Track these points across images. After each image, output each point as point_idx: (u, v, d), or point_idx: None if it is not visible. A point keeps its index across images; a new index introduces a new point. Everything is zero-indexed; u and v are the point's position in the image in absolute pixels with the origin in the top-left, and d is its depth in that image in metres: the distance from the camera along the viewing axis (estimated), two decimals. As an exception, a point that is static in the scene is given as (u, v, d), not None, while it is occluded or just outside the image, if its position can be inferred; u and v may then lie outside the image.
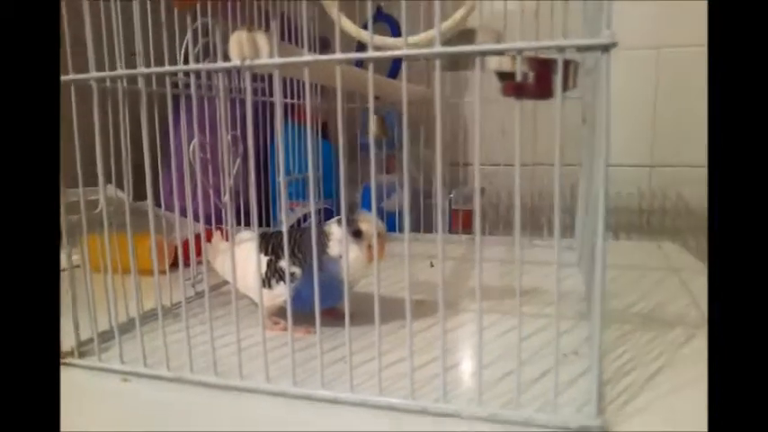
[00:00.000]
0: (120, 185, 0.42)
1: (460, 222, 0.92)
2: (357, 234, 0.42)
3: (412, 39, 0.44)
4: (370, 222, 0.42)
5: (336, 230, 0.42)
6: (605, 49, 0.25)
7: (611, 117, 0.27)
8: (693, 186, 1.04)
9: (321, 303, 0.33)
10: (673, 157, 1.05)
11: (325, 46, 0.92)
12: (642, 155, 1.07)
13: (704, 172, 0.28)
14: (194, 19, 0.41)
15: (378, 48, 0.30)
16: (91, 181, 0.38)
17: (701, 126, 0.27)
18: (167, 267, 0.52)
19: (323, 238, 0.43)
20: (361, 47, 0.70)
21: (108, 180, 0.38)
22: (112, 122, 0.38)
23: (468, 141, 1.09)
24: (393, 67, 0.83)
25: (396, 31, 0.82)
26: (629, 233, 1.09)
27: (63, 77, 0.36)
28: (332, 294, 0.38)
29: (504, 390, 0.33)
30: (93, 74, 0.36)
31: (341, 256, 0.40)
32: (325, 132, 0.97)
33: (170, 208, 0.70)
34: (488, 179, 0.99)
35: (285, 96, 0.73)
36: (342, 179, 0.32)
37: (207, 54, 0.41)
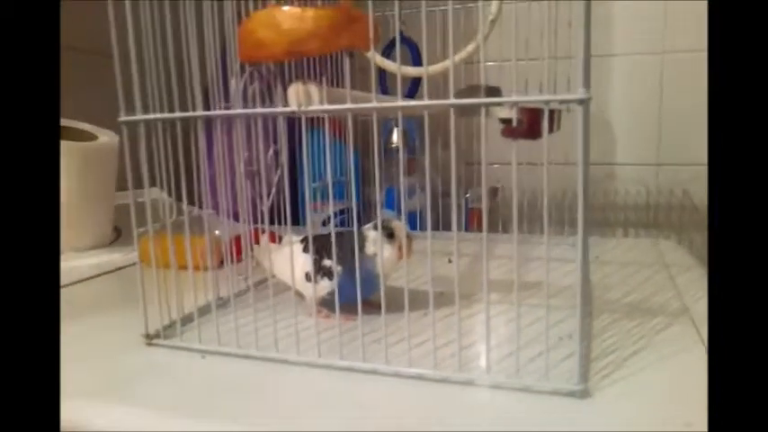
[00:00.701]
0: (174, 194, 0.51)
1: (476, 221, 0.99)
2: (390, 236, 0.50)
3: (431, 68, 0.52)
4: (400, 227, 0.50)
5: (372, 233, 0.51)
6: (581, 102, 0.33)
7: (617, 118, 0.34)
8: (699, 184, 1.08)
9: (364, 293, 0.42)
10: (679, 156, 1.09)
11: (350, 56, 1.00)
12: (649, 153, 1.11)
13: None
14: (258, 70, 0.50)
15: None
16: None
17: (706, 125, 0.32)
18: (227, 263, 0.61)
19: (361, 239, 0.51)
20: (383, 72, 0.78)
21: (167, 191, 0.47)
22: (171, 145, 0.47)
23: (483, 142, 1.16)
24: (411, 89, 0.90)
25: (415, 54, 0.90)
26: (637, 229, 1.14)
27: (135, 117, 0.45)
28: (368, 287, 0.47)
29: (509, 364, 0.41)
30: (165, 115, 0.44)
31: (376, 254, 0.49)
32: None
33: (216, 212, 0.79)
34: (503, 179, 1.05)
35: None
36: (378, 191, 0.40)
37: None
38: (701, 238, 1.09)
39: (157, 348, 0.47)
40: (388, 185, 1.02)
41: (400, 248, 0.50)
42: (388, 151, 0.99)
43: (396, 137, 0.90)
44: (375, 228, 0.51)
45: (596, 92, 0.33)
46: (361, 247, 0.50)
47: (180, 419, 0.37)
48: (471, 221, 0.99)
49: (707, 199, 0.31)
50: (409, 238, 0.51)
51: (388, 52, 0.85)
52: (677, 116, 1.08)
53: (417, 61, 0.87)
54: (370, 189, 0.95)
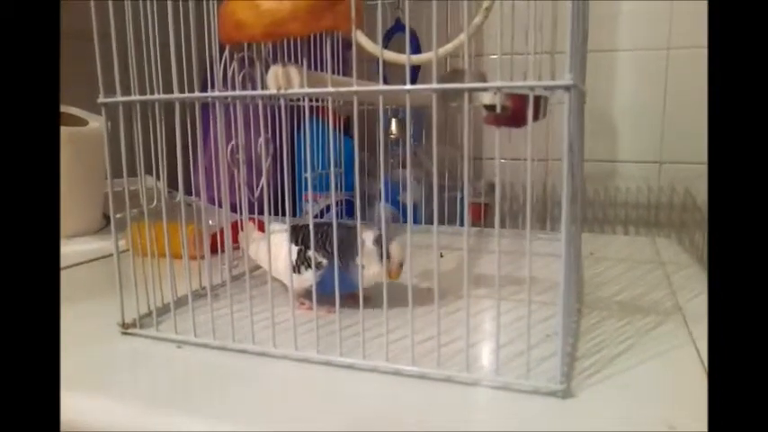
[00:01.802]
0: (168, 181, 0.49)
1: (472, 215, 0.98)
2: (387, 256, 0.48)
3: (417, 58, 0.50)
4: (398, 251, 0.48)
5: (369, 245, 0.48)
6: (567, 89, 0.31)
7: (620, 115, 0.33)
8: (702, 182, 1.07)
9: (340, 289, 0.40)
10: (681, 154, 1.07)
11: (348, 47, 0.98)
12: (651, 151, 1.10)
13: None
14: (238, 50, 0.49)
15: (392, 64, 0.37)
16: (132, 174, 0.45)
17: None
18: (207, 253, 0.60)
19: (355, 243, 0.47)
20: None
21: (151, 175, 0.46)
22: (152, 128, 0.45)
23: (479, 137, 1.14)
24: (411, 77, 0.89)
25: (414, 41, 0.88)
26: (638, 227, 1.13)
27: (113, 99, 0.43)
28: (351, 285, 0.46)
29: (490, 362, 0.40)
30: (144, 97, 0.43)
31: (363, 267, 0.46)
32: (347, 129, 1.04)
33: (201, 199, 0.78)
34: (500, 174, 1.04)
35: (310, 99, 0.80)
36: (383, 215, 0.39)
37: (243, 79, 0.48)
38: (703, 237, 1.08)
39: (133, 338, 0.46)
40: (384, 177, 1.00)
41: (388, 269, 0.48)
42: (385, 143, 0.97)
43: (394, 127, 0.88)
44: (375, 241, 0.48)
45: (600, 88, 0.32)
46: (353, 252, 0.48)
47: (152, 410, 0.36)
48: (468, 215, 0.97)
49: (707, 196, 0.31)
50: (401, 263, 0.49)
51: (389, 36, 0.83)
52: (681, 113, 1.07)
53: (417, 51, 0.85)
54: (366, 181, 0.94)
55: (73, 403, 0.37)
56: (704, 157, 0.31)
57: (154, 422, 0.35)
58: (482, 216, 0.98)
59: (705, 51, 0.32)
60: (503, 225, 0.93)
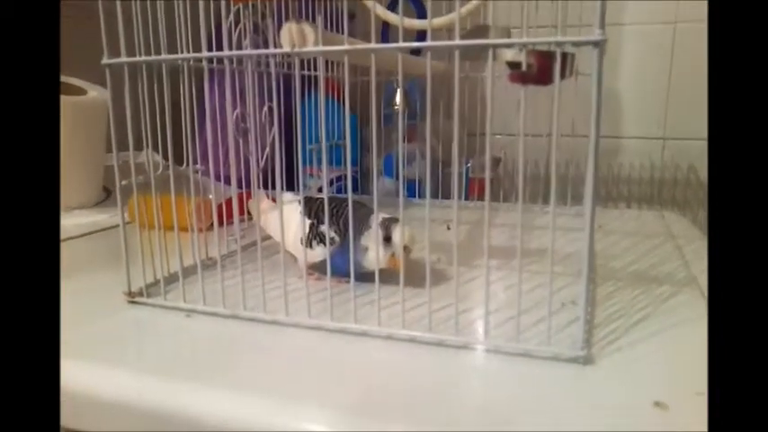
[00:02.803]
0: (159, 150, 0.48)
1: (477, 190, 0.97)
2: (387, 239, 0.46)
3: (436, 21, 0.49)
4: (399, 235, 0.45)
5: (374, 228, 0.45)
6: (596, 45, 0.30)
7: (625, 91, 0.32)
8: (705, 159, 1.07)
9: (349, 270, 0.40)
10: (685, 130, 1.06)
11: (351, 18, 0.96)
12: (655, 127, 1.09)
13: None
14: (246, 11, 0.47)
15: (403, 29, 0.35)
16: (137, 146, 0.44)
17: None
18: (215, 223, 0.59)
19: (362, 225, 0.47)
20: (386, 26, 0.75)
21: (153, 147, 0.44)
22: (157, 93, 0.43)
23: (485, 112, 1.13)
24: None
25: (420, 9, 0.87)
26: (641, 203, 1.12)
27: (118, 60, 0.42)
28: (358, 265, 0.45)
29: (509, 329, 0.39)
30: (150, 57, 0.41)
31: (367, 249, 0.45)
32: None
33: (205, 172, 0.77)
34: (505, 149, 1.03)
35: (314, 69, 0.78)
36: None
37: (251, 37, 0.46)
38: (705, 213, 1.07)
39: (140, 307, 0.45)
40: (388, 152, 0.99)
41: (393, 256, 0.46)
42: (388, 116, 0.96)
43: (398, 98, 0.87)
44: (382, 225, 0.46)
45: (604, 63, 0.31)
46: (360, 232, 0.47)
47: (161, 380, 0.35)
48: (471, 190, 0.96)
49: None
50: (407, 248, 0.46)
51: (392, 7, 0.81)
52: (686, 89, 1.06)
53: (423, 16, 0.83)
54: (369, 155, 0.93)
55: (79, 374, 0.36)
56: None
57: (163, 392, 0.34)
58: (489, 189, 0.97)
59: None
60: (506, 200, 0.93)
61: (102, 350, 0.39)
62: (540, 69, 0.31)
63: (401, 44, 0.34)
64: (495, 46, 0.32)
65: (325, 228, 0.47)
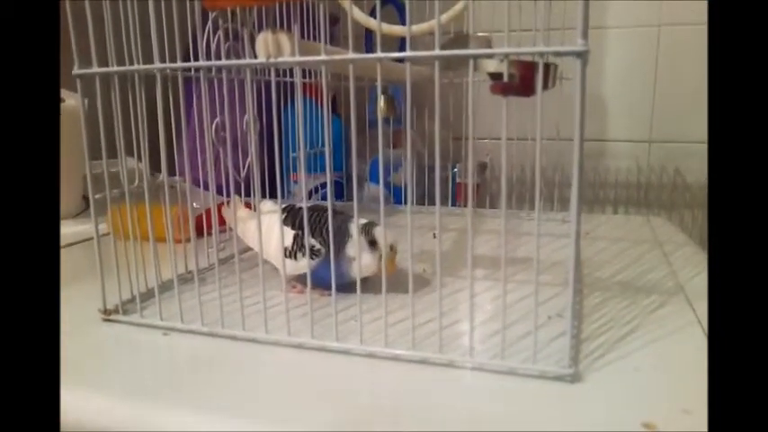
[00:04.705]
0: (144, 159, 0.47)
1: (464, 194, 0.96)
2: (372, 243, 0.45)
3: (416, 28, 0.48)
4: (383, 235, 0.45)
5: (356, 234, 0.44)
6: (579, 55, 0.29)
7: (610, 94, 0.31)
8: (691, 161, 1.06)
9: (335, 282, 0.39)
10: (672, 133, 1.06)
11: (334, 23, 0.95)
12: (641, 130, 1.08)
13: (702, 147, 0.31)
14: (223, 19, 0.46)
15: (384, 35, 0.34)
16: (111, 154, 0.43)
17: (700, 102, 0.30)
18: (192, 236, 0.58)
19: (344, 235, 0.46)
20: (369, 33, 0.74)
21: (130, 154, 0.43)
22: (131, 103, 0.42)
23: (470, 117, 1.12)
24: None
25: (403, 14, 0.86)
26: (627, 207, 1.12)
27: (89, 71, 0.40)
28: (343, 276, 0.44)
29: (494, 345, 0.38)
30: (123, 68, 0.40)
31: (354, 259, 0.44)
32: (335, 106, 1.01)
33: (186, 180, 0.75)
34: (491, 153, 1.02)
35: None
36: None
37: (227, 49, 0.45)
38: (692, 217, 1.07)
39: (115, 325, 0.44)
40: (373, 157, 0.98)
41: (381, 258, 0.45)
42: (374, 121, 0.95)
43: (383, 104, 0.86)
44: (363, 230, 0.46)
45: (589, 66, 0.30)
46: (344, 242, 0.46)
47: (136, 402, 0.33)
48: (458, 195, 0.95)
49: (703, 176, 0.30)
50: (393, 249, 0.46)
51: (374, 13, 0.80)
52: (671, 91, 1.06)
53: (405, 23, 0.82)
54: (354, 161, 0.92)
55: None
56: (694, 136, 0.29)
57: (139, 414, 0.33)
58: (473, 197, 0.97)
59: (697, 28, 0.30)
60: (492, 206, 0.92)
61: (76, 372, 0.37)
62: (522, 80, 0.30)
63: (380, 54, 0.33)
64: (476, 56, 0.31)
65: (311, 241, 0.46)
